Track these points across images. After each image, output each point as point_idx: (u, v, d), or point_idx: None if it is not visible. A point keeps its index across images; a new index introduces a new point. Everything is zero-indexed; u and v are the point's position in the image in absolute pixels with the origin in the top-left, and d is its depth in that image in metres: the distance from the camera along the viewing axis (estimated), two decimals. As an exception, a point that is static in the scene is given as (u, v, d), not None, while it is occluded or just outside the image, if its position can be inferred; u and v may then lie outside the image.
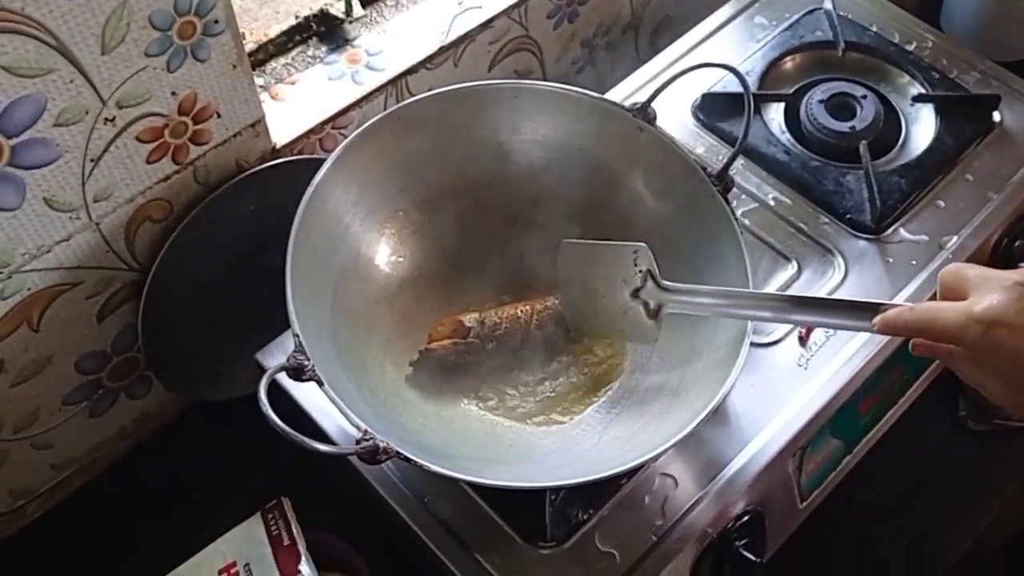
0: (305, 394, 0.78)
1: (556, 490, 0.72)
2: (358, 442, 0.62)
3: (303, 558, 0.72)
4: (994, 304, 0.56)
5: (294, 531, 0.74)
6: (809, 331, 0.83)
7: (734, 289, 0.73)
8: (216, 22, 0.70)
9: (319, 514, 0.78)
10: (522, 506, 0.74)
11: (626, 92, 0.99)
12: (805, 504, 0.82)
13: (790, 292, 0.85)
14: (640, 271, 0.76)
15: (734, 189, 0.80)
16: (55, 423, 0.84)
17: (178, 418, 0.97)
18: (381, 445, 0.61)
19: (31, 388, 0.79)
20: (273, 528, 0.75)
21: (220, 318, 0.88)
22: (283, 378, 0.65)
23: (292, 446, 0.59)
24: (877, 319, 0.63)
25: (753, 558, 0.75)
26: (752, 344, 0.71)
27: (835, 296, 0.85)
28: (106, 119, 0.69)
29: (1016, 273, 0.58)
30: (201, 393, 0.93)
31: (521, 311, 0.81)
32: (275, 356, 0.82)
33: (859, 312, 0.64)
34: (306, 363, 0.64)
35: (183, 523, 0.85)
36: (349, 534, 0.81)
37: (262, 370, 0.82)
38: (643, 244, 0.76)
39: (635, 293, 0.77)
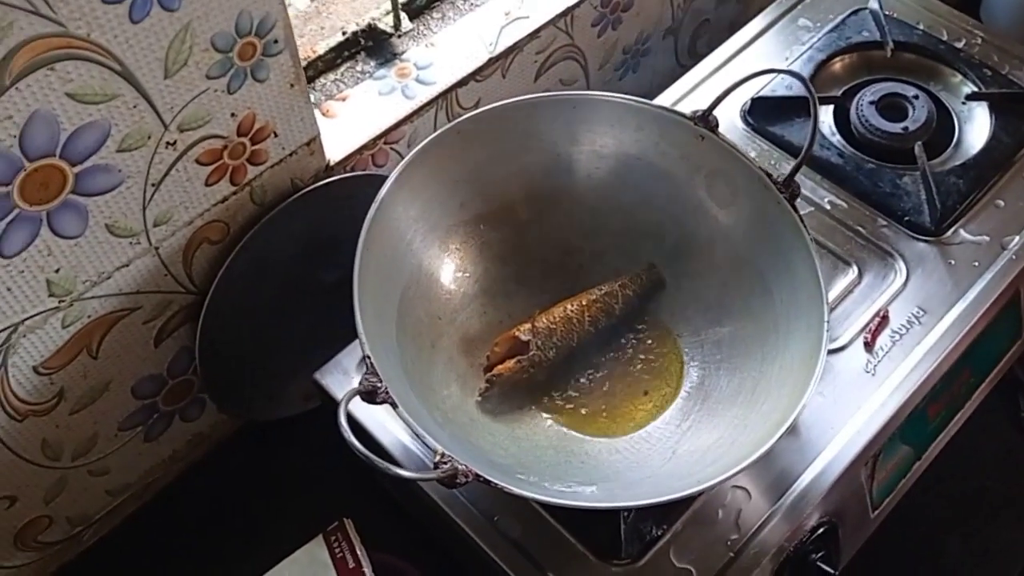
0: (367, 412, 0.77)
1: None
2: (436, 465, 0.60)
3: (370, 581, 0.72)
4: None
5: (359, 553, 0.73)
6: (875, 336, 0.81)
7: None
8: (276, 42, 0.70)
9: (378, 532, 0.77)
10: (594, 523, 0.73)
11: (673, 97, 0.98)
12: (876, 513, 0.81)
13: (851, 297, 0.84)
14: None
15: (794, 195, 0.78)
16: (111, 449, 0.83)
17: (230, 439, 0.96)
18: (460, 468, 0.60)
19: (89, 415, 0.79)
20: (337, 551, 0.74)
21: (274, 335, 0.88)
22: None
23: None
24: None
25: (830, 571, 0.74)
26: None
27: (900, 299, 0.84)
28: (167, 143, 0.68)
29: None
30: (255, 412, 0.92)
31: (571, 310, 0.80)
32: (334, 375, 0.81)
33: None
34: (379, 385, 0.63)
35: (240, 544, 0.85)
36: (408, 552, 0.80)
37: (321, 390, 0.81)
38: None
39: None
